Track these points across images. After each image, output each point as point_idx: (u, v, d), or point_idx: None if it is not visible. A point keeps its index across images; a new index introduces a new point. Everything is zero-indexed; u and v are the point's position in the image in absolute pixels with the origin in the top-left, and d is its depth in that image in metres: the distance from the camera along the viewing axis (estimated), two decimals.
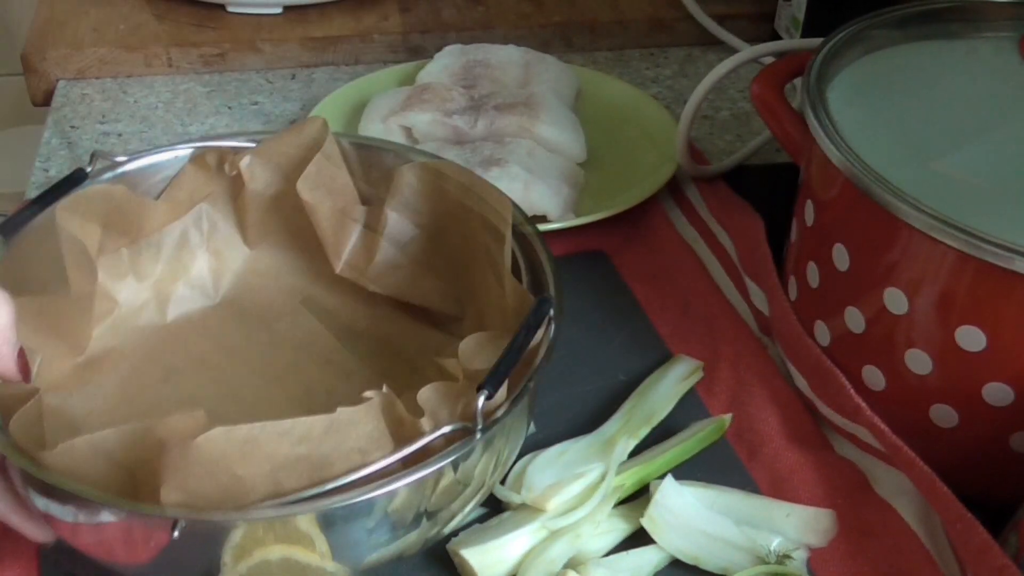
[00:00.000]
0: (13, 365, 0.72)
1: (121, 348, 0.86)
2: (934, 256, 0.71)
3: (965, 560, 0.71)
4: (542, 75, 1.16)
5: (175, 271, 0.90)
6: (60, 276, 0.80)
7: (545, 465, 0.77)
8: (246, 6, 1.32)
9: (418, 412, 0.68)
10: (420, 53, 1.31)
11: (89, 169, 0.85)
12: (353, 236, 0.89)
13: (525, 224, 0.83)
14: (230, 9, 1.32)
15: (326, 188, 0.88)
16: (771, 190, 0.99)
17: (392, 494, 0.65)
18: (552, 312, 0.74)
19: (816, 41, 0.86)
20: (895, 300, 0.74)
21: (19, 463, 0.65)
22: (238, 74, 1.29)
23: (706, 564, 0.74)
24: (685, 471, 0.79)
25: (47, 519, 0.67)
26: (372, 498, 0.64)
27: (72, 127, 1.18)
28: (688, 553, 0.74)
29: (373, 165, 0.90)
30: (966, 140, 0.77)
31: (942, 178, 0.74)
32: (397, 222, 0.88)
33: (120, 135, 1.16)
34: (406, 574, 0.73)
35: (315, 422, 0.64)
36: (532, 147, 1.04)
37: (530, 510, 0.75)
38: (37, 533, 0.69)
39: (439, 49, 1.21)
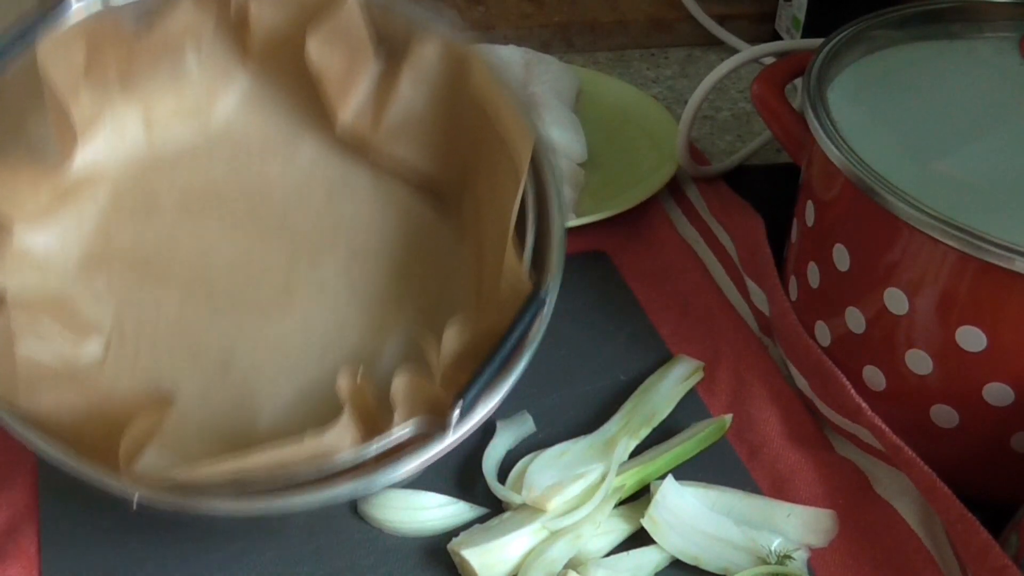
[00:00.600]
0: None
1: (103, 174, 0.80)
2: (934, 256, 0.71)
3: (966, 560, 0.71)
4: (542, 75, 1.16)
5: (166, 89, 0.82)
6: (42, 105, 0.76)
7: (545, 465, 0.77)
8: None
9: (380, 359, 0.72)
10: None
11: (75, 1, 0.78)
12: (359, 98, 0.83)
13: (547, 163, 0.79)
14: None
15: (339, 43, 0.81)
16: (772, 190, 0.99)
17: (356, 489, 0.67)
18: (545, 307, 0.73)
19: (817, 41, 0.86)
20: (895, 300, 0.74)
21: None
22: None
23: (707, 564, 0.74)
24: (686, 471, 0.79)
25: None
26: (335, 496, 0.66)
27: None
28: (689, 553, 0.74)
29: (395, 25, 0.83)
30: (967, 140, 0.77)
31: (943, 178, 0.74)
32: (409, 93, 0.82)
33: None
34: (406, 573, 0.73)
35: (279, 452, 0.65)
36: None
37: (531, 510, 0.75)
38: None
39: None
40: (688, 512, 0.75)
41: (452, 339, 0.73)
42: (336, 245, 0.82)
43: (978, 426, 0.75)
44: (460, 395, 0.66)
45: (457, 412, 0.66)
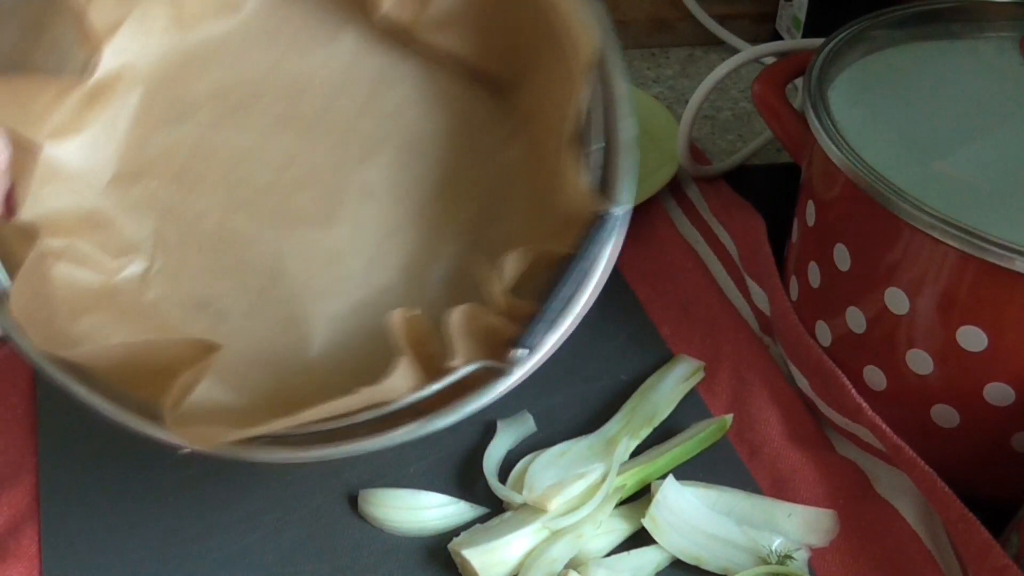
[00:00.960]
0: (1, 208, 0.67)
1: (132, 76, 0.75)
2: (935, 256, 0.71)
3: (966, 560, 0.71)
4: None
5: None
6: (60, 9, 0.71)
7: (546, 465, 0.77)
8: None
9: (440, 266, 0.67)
10: None
11: None
12: None
13: (610, 68, 0.71)
14: None
15: None
16: (772, 190, 0.99)
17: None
18: (616, 228, 0.67)
19: (817, 41, 0.86)
20: (896, 300, 0.74)
21: (26, 352, 0.63)
22: None
23: (707, 564, 0.74)
24: (686, 471, 0.79)
25: None
26: (391, 440, 0.63)
27: None
28: (689, 553, 0.74)
29: None
30: (967, 140, 0.77)
31: (943, 178, 0.74)
32: None
33: None
34: (407, 572, 0.73)
35: (334, 407, 0.62)
36: None
37: (531, 510, 0.75)
38: None
39: None
40: (689, 512, 0.75)
41: (512, 264, 0.68)
42: (382, 143, 0.77)
43: (979, 426, 0.75)
44: (524, 331, 0.63)
45: (522, 351, 0.62)
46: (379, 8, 0.76)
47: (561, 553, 0.73)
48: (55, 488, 0.78)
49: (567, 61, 0.69)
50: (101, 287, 0.71)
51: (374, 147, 0.76)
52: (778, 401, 0.85)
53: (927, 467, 0.74)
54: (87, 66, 0.72)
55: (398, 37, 0.78)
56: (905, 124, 0.79)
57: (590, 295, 0.66)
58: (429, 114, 0.77)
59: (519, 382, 0.64)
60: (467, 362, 0.62)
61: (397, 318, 0.64)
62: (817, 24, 1.24)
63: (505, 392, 0.64)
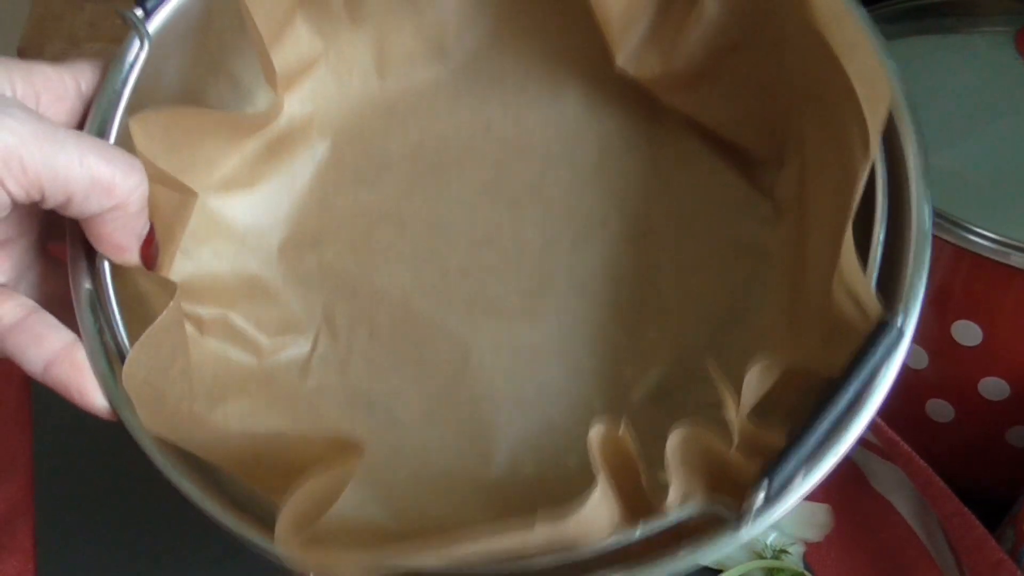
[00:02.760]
0: (136, 257, 0.55)
1: (321, 116, 0.65)
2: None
3: (961, 555, 0.71)
4: None
5: (404, 18, 0.65)
6: (244, 34, 0.58)
7: None
8: None
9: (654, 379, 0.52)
10: None
11: None
12: (647, 20, 0.62)
13: (906, 138, 0.55)
14: None
15: None
16: None
17: None
18: (901, 343, 0.50)
19: None
20: None
21: (131, 427, 0.52)
22: None
23: (701, 558, 0.74)
24: None
25: None
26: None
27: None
28: None
29: None
30: (962, 135, 0.77)
31: (938, 172, 0.74)
32: (717, 17, 0.60)
33: None
34: None
35: (498, 538, 0.45)
36: None
37: None
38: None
39: None
40: None
41: (757, 379, 0.51)
42: (606, 223, 0.64)
43: (974, 420, 0.75)
44: (769, 468, 0.46)
45: (762, 494, 0.46)
46: (613, 61, 0.63)
47: None
48: (50, 482, 0.78)
49: (852, 125, 0.53)
50: (252, 369, 0.61)
51: (594, 228, 0.64)
52: None
53: (922, 462, 0.74)
54: (270, 111, 0.62)
55: (635, 98, 0.65)
56: None
57: (859, 432, 0.50)
58: (665, 192, 0.64)
59: (755, 536, 0.49)
60: (686, 501, 0.48)
61: (598, 435, 0.49)
62: None
63: (731, 549, 0.49)
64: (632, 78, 0.63)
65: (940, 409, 0.75)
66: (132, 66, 0.55)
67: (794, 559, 0.74)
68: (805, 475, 0.48)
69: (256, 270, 0.62)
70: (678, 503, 0.47)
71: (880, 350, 0.48)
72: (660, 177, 0.63)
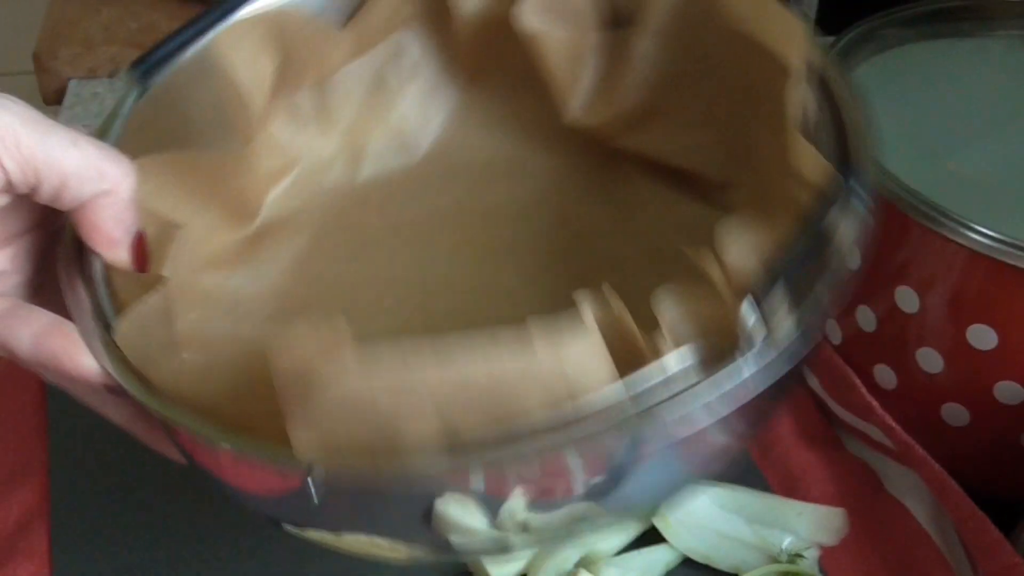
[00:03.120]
0: (127, 254, 0.56)
1: (301, 215, 0.69)
2: (945, 255, 0.71)
3: (976, 558, 0.71)
4: None
5: (369, 120, 0.71)
6: (220, 128, 0.63)
7: None
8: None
9: (651, 323, 0.49)
10: None
11: None
12: (591, 74, 0.67)
13: (831, 67, 0.60)
14: None
15: (555, 10, 0.66)
16: None
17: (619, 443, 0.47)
18: (863, 198, 0.53)
19: (827, 40, 0.86)
20: (906, 299, 0.74)
21: (121, 380, 0.52)
22: None
23: (717, 563, 0.74)
24: None
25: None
26: (587, 442, 0.46)
27: (84, 126, 1.18)
28: (699, 552, 0.74)
29: None
30: (977, 138, 0.77)
31: (953, 177, 0.74)
32: (652, 56, 0.65)
33: None
34: (416, 573, 0.73)
35: (496, 348, 0.46)
36: None
37: None
38: (175, 455, 0.58)
39: None
40: (699, 510, 0.75)
41: (733, 230, 0.53)
42: (581, 266, 0.66)
43: (989, 424, 0.74)
44: (754, 288, 0.47)
45: (748, 310, 0.47)
46: (565, 117, 0.68)
47: (571, 551, 0.73)
48: (65, 486, 0.78)
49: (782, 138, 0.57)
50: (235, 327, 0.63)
51: (569, 274, 0.65)
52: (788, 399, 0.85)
53: (937, 465, 0.74)
54: (249, 206, 0.67)
55: (593, 150, 0.69)
56: (915, 123, 0.79)
57: (834, 255, 0.53)
58: (632, 231, 0.66)
59: (757, 375, 0.47)
60: (680, 343, 0.48)
61: (583, 299, 0.49)
62: (827, 23, 1.23)
63: (736, 388, 0.47)
64: (584, 128, 0.68)
65: (955, 413, 0.75)
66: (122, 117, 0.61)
67: (809, 563, 0.74)
68: (793, 307, 0.49)
69: (250, 335, 0.62)
70: (669, 350, 0.47)
71: (842, 189, 0.52)
72: (626, 219, 0.65)
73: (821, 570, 0.74)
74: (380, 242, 0.68)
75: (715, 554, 0.74)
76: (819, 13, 1.24)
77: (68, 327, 0.54)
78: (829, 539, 0.76)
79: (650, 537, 0.75)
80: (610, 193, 0.68)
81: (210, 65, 0.63)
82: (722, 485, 0.78)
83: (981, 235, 0.68)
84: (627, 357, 0.48)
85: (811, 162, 0.55)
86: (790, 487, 0.79)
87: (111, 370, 0.52)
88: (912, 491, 0.78)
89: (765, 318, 0.47)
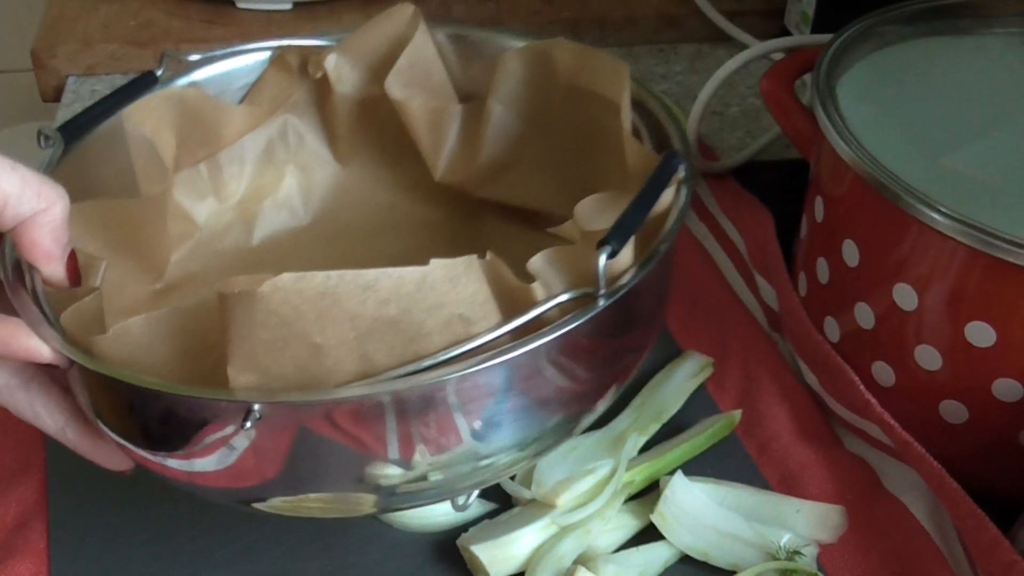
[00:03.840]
0: (62, 269, 0.63)
1: (202, 273, 0.78)
2: (944, 252, 0.71)
3: (975, 556, 0.71)
4: None
5: (260, 189, 0.81)
6: (130, 192, 0.73)
7: (555, 461, 0.77)
8: (256, 2, 1.32)
9: (529, 281, 0.59)
10: None
11: (159, 72, 0.76)
12: (452, 137, 0.79)
13: (644, 91, 0.73)
14: (240, 5, 1.33)
15: (419, 85, 0.78)
16: (781, 186, 0.99)
17: (507, 371, 0.56)
18: (683, 170, 0.65)
19: (826, 37, 0.86)
20: (905, 296, 0.74)
21: (69, 353, 0.58)
22: None
23: (716, 560, 0.74)
24: (695, 467, 0.79)
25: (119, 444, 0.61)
26: (483, 372, 0.55)
27: None
28: (698, 549, 0.74)
29: (473, 56, 0.80)
30: (976, 136, 0.77)
31: (952, 174, 0.74)
32: (502, 117, 0.78)
33: None
34: (416, 568, 0.74)
35: (404, 275, 0.54)
36: None
37: (540, 506, 0.75)
38: (112, 460, 0.66)
39: None
40: (697, 508, 0.75)
41: (588, 209, 0.66)
42: None
43: (987, 422, 0.74)
44: (604, 242, 0.57)
45: (604, 259, 0.56)
46: (435, 174, 0.79)
47: (569, 549, 0.73)
48: (64, 484, 0.78)
49: (620, 160, 0.71)
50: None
51: None
52: (787, 397, 0.85)
53: (936, 463, 0.74)
54: (156, 268, 0.76)
55: (460, 203, 0.80)
56: (914, 120, 0.79)
57: (662, 205, 0.63)
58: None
59: (611, 303, 0.58)
60: (552, 294, 0.58)
61: (474, 257, 0.58)
62: (826, 20, 1.24)
63: (601, 312, 0.58)
64: (451, 184, 0.79)
65: (954, 410, 0.75)
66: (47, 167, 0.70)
67: (808, 560, 0.74)
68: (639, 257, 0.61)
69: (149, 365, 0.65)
70: (544, 297, 0.57)
71: (670, 163, 0.64)
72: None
73: (820, 567, 0.74)
74: None
75: (714, 551, 0.74)
76: (818, 10, 1.24)
77: (15, 319, 0.60)
78: (828, 536, 0.76)
79: (649, 534, 0.75)
80: (478, 238, 0.79)
81: (121, 134, 0.72)
82: (721, 482, 0.78)
83: (980, 232, 0.68)
84: (509, 300, 0.57)
85: (641, 154, 0.69)
86: (789, 484, 0.79)
87: (59, 347, 0.58)
88: (911, 488, 0.78)
89: (616, 261, 0.58)
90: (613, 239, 0.57)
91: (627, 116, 0.70)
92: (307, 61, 0.80)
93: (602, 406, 0.67)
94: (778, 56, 1.10)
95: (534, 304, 0.57)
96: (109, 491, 0.76)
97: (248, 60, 0.80)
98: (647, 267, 0.60)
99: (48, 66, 1.26)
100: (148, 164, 0.73)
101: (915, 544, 0.75)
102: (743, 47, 1.27)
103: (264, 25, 1.30)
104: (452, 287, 0.55)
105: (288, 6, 1.33)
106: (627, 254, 0.59)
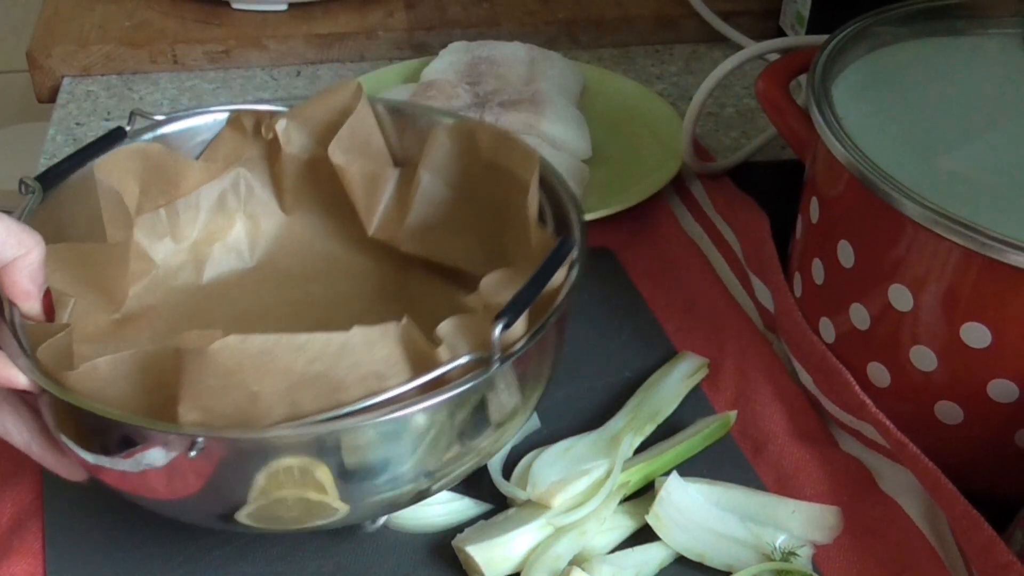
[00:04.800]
0: (39, 305, 0.71)
1: (157, 307, 0.87)
2: (939, 253, 0.71)
3: (970, 556, 0.71)
4: (547, 72, 1.16)
5: (212, 234, 0.90)
6: (99, 233, 0.82)
7: (550, 461, 0.77)
8: (251, 3, 1.32)
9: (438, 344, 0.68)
10: (425, 50, 1.31)
11: (128, 128, 0.85)
12: (385, 198, 0.89)
13: (552, 176, 0.82)
14: (235, 6, 1.33)
15: (358, 151, 0.87)
16: (776, 187, 0.99)
17: (409, 421, 0.65)
18: (575, 253, 0.74)
19: (821, 38, 0.86)
20: (900, 297, 0.74)
21: (43, 384, 0.66)
22: (243, 71, 1.29)
23: (711, 561, 0.74)
24: (690, 468, 0.79)
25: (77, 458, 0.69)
26: (390, 421, 0.64)
27: (77, 124, 1.18)
28: (693, 550, 0.74)
29: (408, 128, 0.89)
30: (971, 136, 0.77)
31: (947, 174, 0.74)
32: (430, 183, 0.87)
33: None
34: (411, 569, 0.74)
35: (330, 339, 0.63)
36: (537, 144, 1.04)
37: (535, 506, 0.75)
38: (70, 472, 0.72)
39: (444, 46, 1.21)
40: (693, 509, 0.75)
41: (491, 278, 0.76)
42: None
43: (983, 422, 0.75)
44: (500, 315, 0.65)
45: (499, 329, 0.65)
46: (369, 230, 0.89)
47: (565, 549, 0.73)
48: (59, 485, 0.77)
49: (526, 234, 0.80)
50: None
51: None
52: (782, 398, 0.85)
53: (931, 463, 0.74)
54: (116, 299, 0.84)
55: (390, 256, 0.89)
56: (909, 120, 0.79)
57: (555, 282, 0.71)
58: (421, 312, 0.80)
59: (504, 368, 0.67)
60: (455, 356, 0.66)
61: (392, 323, 0.67)
62: (821, 21, 1.24)
63: (490, 376, 0.67)
64: (382, 240, 0.88)
65: (949, 411, 0.75)
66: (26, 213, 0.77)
67: (803, 561, 0.74)
68: (531, 330, 0.69)
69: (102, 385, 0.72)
70: (447, 359, 0.65)
71: (563, 248, 0.72)
72: (412, 309, 0.77)
73: (815, 568, 0.74)
74: (220, 328, 0.79)
75: (709, 552, 0.74)
76: (813, 11, 1.24)
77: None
78: (823, 537, 0.76)
79: (644, 535, 0.75)
80: (404, 288, 0.89)
81: (92, 182, 0.81)
82: (716, 483, 0.78)
83: (975, 233, 0.68)
84: (419, 360, 0.66)
85: (542, 237, 0.78)
86: (784, 485, 0.79)
87: (35, 378, 0.66)
88: (906, 489, 0.78)
89: (511, 331, 0.66)
90: (507, 313, 0.66)
91: (534, 200, 0.79)
92: (260, 123, 0.89)
93: (501, 443, 0.74)
94: (773, 57, 1.10)
95: (438, 364, 0.65)
96: (104, 492, 0.76)
97: (207, 119, 0.89)
98: (537, 336, 0.69)
99: (43, 67, 1.26)
100: (114, 211, 0.82)
101: (910, 545, 0.75)
102: (738, 48, 1.27)
103: (259, 26, 1.30)
104: (369, 349, 0.64)
105: (283, 7, 1.33)
106: (520, 325, 0.68)
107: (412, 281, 0.89)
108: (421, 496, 0.71)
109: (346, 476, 0.66)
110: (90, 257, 0.81)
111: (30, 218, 0.77)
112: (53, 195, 0.80)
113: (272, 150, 0.90)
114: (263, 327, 0.85)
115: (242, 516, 0.67)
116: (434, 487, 0.71)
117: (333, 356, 0.63)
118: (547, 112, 1.08)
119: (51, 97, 1.26)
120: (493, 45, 1.21)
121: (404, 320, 0.66)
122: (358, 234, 0.89)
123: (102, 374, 0.66)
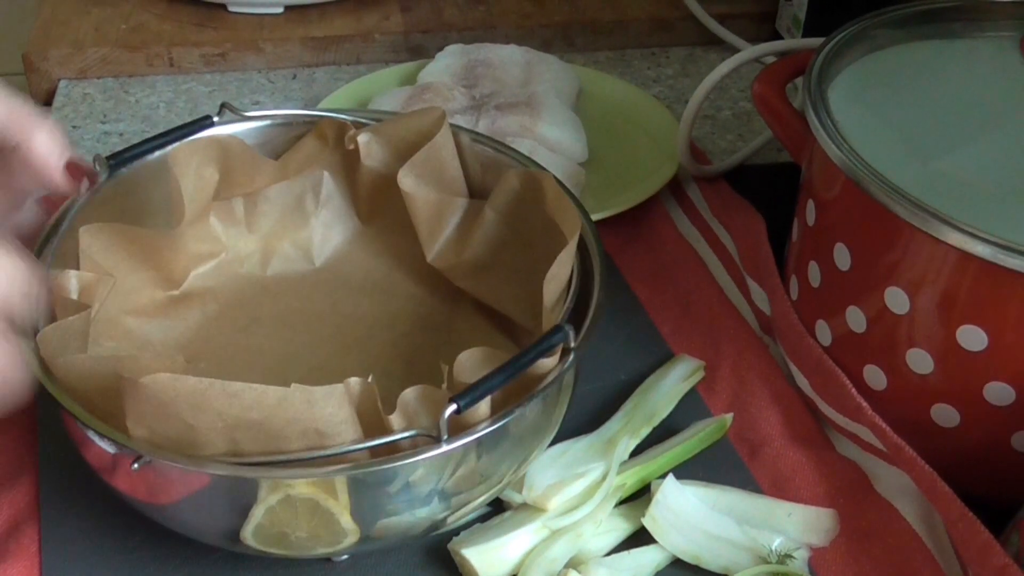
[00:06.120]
0: (60, 175, 0.75)
1: (216, 289, 0.90)
2: (935, 255, 0.71)
3: (966, 559, 0.71)
4: (543, 75, 1.16)
5: (285, 230, 0.93)
6: (165, 217, 0.85)
7: (546, 464, 0.77)
8: (247, 6, 1.32)
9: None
10: (421, 53, 1.31)
11: (216, 119, 0.88)
12: (449, 228, 0.89)
13: (594, 243, 0.81)
14: (231, 9, 1.33)
15: (431, 178, 0.88)
16: (772, 190, 0.99)
17: (351, 480, 0.65)
18: (572, 343, 0.71)
19: (817, 41, 0.86)
20: (896, 299, 0.74)
21: (32, 368, 0.68)
22: (239, 74, 1.29)
23: (707, 564, 0.74)
24: (686, 471, 0.79)
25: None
26: (327, 475, 0.65)
27: (74, 127, 1.18)
28: (689, 553, 0.74)
29: (491, 164, 0.89)
30: (967, 139, 0.77)
31: (943, 177, 0.74)
32: (494, 224, 0.87)
33: (122, 135, 1.16)
34: (408, 572, 0.74)
35: (266, 392, 0.63)
36: (533, 147, 1.04)
37: (531, 509, 0.75)
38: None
39: (440, 49, 1.21)
40: (689, 511, 0.75)
41: (466, 360, 0.72)
42: (412, 363, 0.86)
43: (979, 425, 0.75)
44: (455, 396, 0.64)
45: (449, 411, 0.63)
46: (427, 257, 0.89)
47: (561, 552, 0.73)
48: (55, 487, 0.78)
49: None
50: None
51: (396, 366, 0.86)
52: (778, 400, 0.85)
53: (927, 466, 0.74)
54: (178, 274, 0.88)
55: (442, 285, 0.90)
56: (905, 123, 0.79)
57: (520, 374, 0.68)
58: (459, 348, 0.77)
59: (451, 451, 0.66)
60: (407, 427, 0.66)
61: (352, 381, 0.66)
62: (817, 23, 1.24)
63: (435, 456, 0.65)
64: (439, 269, 0.89)
65: (945, 414, 0.75)
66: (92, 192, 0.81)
67: (799, 564, 0.74)
68: (491, 415, 0.67)
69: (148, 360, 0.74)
70: (398, 429, 0.65)
71: (550, 339, 0.70)
72: (453, 343, 0.84)
73: (811, 571, 0.74)
74: (268, 323, 0.88)
75: (705, 555, 0.74)
76: (809, 14, 1.24)
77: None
78: (819, 540, 0.76)
79: (640, 538, 0.75)
80: (448, 322, 0.89)
81: (166, 168, 0.83)
82: (712, 486, 0.78)
83: (971, 236, 0.68)
84: (373, 423, 0.66)
85: (549, 318, 0.76)
86: (780, 488, 0.79)
87: (28, 356, 0.68)
88: (902, 492, 0.78)
89: (473, 411, 0.65)
90: (462, 398, 0.64)
91: (562, 269, 0.77)
92: (344, 133, 0.90)
93: (469, 509, 0.72)
94: (770, 60, 1.10)
95: (389, 432, 0.65)
96: (101, 495, 0.76)
97: (291, 123, 0.92)
98: (497, 423, 0.67)
99: (40, 70, 1.26)
100: (193, 192, 0.84)
101: (907, 547, 0.75)
102: (735, 51, 1.27)
103: (255, 28, 1.30)
104: (308, 407, 0.64)
105: (279, 10, 1.33)
106: (484, 408, 0.67)
107: (459, 316, 0.89)
108: (364, 549, 0.73)
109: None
110: (152, 238, 0.84)
111: (93, 198, 0.80)
112: (124, 175, 0.83)
113: (352, 161, 0.91)
114: (305, 332, 0.88)
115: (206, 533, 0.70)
116: (377, 546, 0.72)
117: (271, 407, 0.63)
118: (543, 115, 1.08)
119: (47, 100, 1.26)
120: (489, 48, 1.21)
121: (369, 379, 0.67)
122: (420, 257, 0.90)
123: (81, 370, 0.68)
